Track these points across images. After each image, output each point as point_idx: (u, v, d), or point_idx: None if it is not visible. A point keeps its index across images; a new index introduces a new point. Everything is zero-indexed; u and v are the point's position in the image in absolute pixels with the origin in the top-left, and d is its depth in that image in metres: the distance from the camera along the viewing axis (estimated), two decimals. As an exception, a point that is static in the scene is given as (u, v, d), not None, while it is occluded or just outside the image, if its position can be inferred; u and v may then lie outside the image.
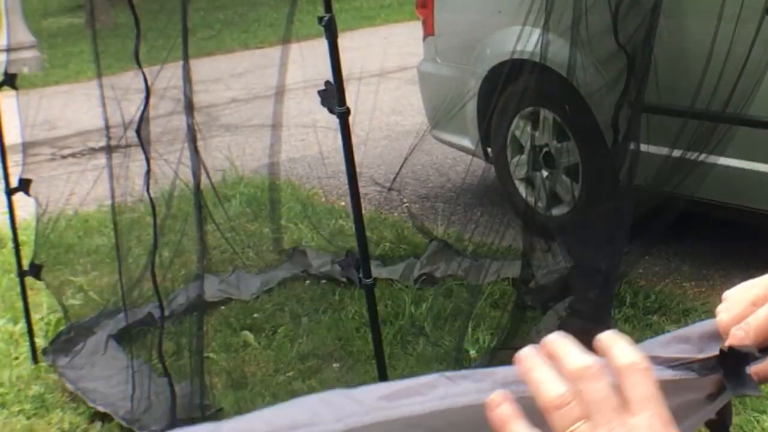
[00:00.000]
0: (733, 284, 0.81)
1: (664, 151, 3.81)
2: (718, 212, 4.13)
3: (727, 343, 0.74)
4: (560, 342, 0.69)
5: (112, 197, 3.69)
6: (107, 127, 3.69)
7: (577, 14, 3.83)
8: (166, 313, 3.81)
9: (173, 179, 3.78)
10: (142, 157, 3.23)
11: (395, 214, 5.22)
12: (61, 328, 4.03)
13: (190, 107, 3.17)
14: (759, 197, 3.90)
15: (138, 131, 3.14)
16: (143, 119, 3.15)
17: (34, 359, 3.89)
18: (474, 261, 4.26)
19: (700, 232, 4.47)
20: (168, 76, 3.37)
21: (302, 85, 5.18)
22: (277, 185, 5.10)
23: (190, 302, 3.89)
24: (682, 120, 3.76)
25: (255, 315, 4.14)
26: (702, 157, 3.71)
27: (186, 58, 3.08)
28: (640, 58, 3.66)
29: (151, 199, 3.24)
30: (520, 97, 4.45)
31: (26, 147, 4.29)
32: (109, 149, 3.77)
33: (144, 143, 3.15)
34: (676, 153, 3.76)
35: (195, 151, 3.18)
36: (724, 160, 3.80)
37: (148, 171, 3.19)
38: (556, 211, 4.62)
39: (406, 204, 5.17)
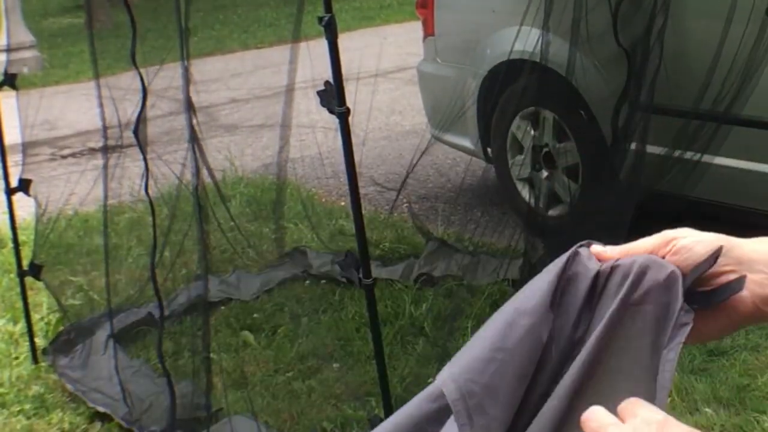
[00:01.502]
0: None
1: (659, 150, 3.81)
2: (718, 212, 4.13)
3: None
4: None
5: (105, 198, 3.69)
6: (104, 128, 3.68)
7: (578, 14, 3.83)
8: (167, 312, 3.81)
9: (173, 180, 3.78)
10: (140, 157, 3.23)
11: (395, 215, 5.22)
12: (61, 328, 4.03)
13: (190, 107, 3.17)
14: (759, 197, 3.89)
15: (135, 132, 3.13)
16: (140, 120, 3.14)
17: (34, 359, 3.89)
18: (472, 257, 4.26)
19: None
20: (167, 77, 3.37)
21: (302, 85, 5.14)
22: (281, 186, 5.10)
23: (191, 302, 3.89)
24: (680, 120, 3.76)
25: (255, 315, 4.13)
26: (702, 156, 3.70)
27: (184, 57, 3.07)
28: (641, 59, 3.66)
29: (150, 199, 3.23)
30: (520, 97, 4.45)
31: (26, 147, 4.29)
32: (105, 150, 3.77)
33: (141, 144, 3.15)
34: (676, 153, 3.76)
35: (195, 151, 3.18)
36: (724, 161, 3.80)
37: (147, 171, 3.19)
38: (555, 212, 4.61)
39: (407, 204, 5.17)
